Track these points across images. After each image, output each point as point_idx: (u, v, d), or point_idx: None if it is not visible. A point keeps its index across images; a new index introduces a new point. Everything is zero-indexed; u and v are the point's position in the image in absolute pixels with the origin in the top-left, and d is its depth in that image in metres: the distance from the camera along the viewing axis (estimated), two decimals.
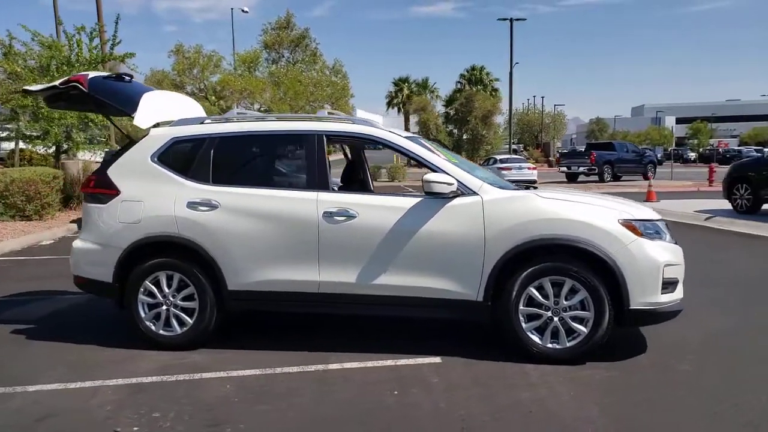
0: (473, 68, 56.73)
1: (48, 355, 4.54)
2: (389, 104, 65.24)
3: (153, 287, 4.58)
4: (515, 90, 70.37)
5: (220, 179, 4.62)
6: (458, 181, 4.22)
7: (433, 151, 4.52)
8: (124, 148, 4.92)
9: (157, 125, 4.88)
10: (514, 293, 4.10)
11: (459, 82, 57.90)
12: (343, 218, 4.28)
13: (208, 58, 29.32)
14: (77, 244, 4.83)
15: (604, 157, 27.72)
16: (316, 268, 4.35)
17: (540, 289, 4.10)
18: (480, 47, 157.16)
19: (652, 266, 4.01)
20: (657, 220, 4.29)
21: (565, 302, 4.07)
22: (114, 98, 4.85)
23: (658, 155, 45.50)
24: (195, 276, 4.49)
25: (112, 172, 4.76)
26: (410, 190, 18.98)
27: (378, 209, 4.30)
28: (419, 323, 5.12)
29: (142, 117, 4.82)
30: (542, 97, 65.86)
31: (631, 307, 4.00)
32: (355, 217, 4.27)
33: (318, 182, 4.44)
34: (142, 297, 4.59)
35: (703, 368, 4.03)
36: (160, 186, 4.62)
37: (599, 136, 61.25)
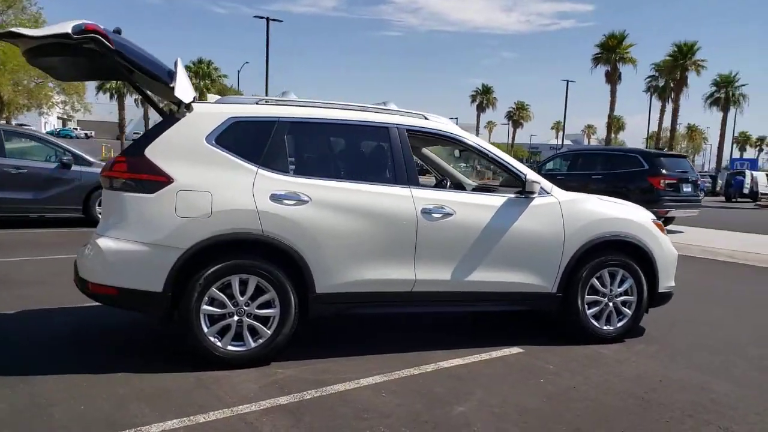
0: (200, 61, 54.50)
1: (86, 389, 3.44)
2: (99, 88, 58.82)
3: (221, 295, 3.84)
4: (243, 88, 69.59)
5: (300, 170, 4.12)
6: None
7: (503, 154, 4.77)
8: (160, 127, 3.97)
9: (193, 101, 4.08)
10: (581, 284, 4.63)
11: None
12: (440, 215, 4.26)
13: None
14: (107, 243, 3.73)
15: None
16: (412, 266, 4.22)
17: (600, 279, 4.71)
18: (201, 40, 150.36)
19: (673, 257, 4.99)
20: None
21: (618, 289, 4.76)
22: (145, 61, 3.89)
23: None
24: (277, 279, 3.92)
25: (154, 155, 3.82)
26: None
27: (472, 207, 4.39)
28: (464, 318, 5.33)
29: (184, 88, 3.98)
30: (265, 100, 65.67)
31: (659, 291, 4.89)
32: (452, 214, 4.28)
33: (408, 178, 4.30)
34: (205, 308, 3.81)
35: (712, 330, 5.14)
36: (228, 174, 3.90)
37: None
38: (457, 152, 5.43)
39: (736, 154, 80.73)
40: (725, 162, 55.79)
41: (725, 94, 53.19)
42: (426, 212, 4.22)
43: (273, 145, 4.06)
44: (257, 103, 4.23)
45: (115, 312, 5.07)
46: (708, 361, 4.43)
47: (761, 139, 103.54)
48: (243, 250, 3.89)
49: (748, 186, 33.86)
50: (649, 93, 52.72)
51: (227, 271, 3.83)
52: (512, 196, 4.53)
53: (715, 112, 53.48)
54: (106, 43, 3.63)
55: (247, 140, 4.05)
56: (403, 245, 4.19)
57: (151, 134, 3.93)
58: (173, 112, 4.05)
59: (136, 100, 62.06)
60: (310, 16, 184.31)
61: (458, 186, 5.61)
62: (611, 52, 45.30)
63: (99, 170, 11.29)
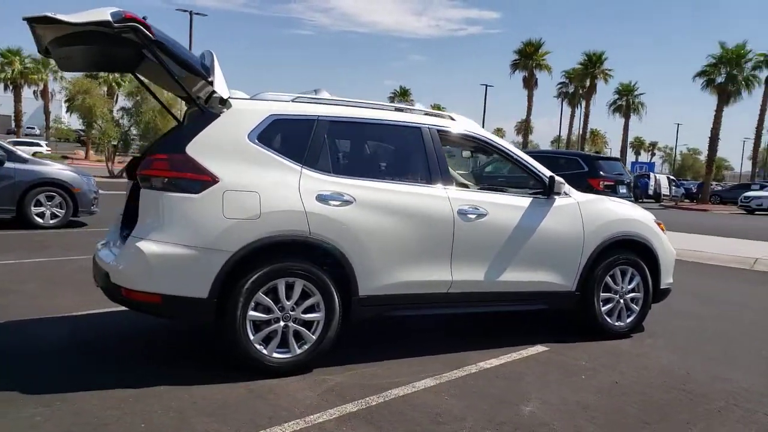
0: None
1: (132, 404, 3.18)
2: None
3: (268, 300, 3.67)
4: None
5: (341, 169, 4.01)
6: None
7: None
8: (197, 123, 3.73)
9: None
10: (596, 282, 4.81)
11: None
12: (474, 216, 4.28)
13: None
14: (151, 247, 3.46)
15: None
16: (449, 267, 4.22)
17: (612, 277, 4.91)
18: None
19: (672, 255, 5.29)
20: None
21: (627, 286, 4.98)
22: (184, 53, 3.66)
23: None
24: (323, 282, 3.79)
25: (196, 153, 3.60)
26: None
27: (503, 207, 4.44)
28: (481, 318, 5.35)
29: (222, 83, 3.79)
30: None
31: (661, 287, 5.17)
32: (486, 214, 4.32)
33: (442, 178, 4.29)
34: (252, 313, 3.63)
35: (702, 324, 5.48)
36: (274, 173, 3.74)
37: None
38: (467, 153, 5.47)
39: (632, 158, 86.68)
40: (626, 165, 59.57)
41: (626, 102, 56.74)
42: (462, 213, 4.23)
43: (314, 144, 3.92)
44: (293, 101, 4.07)
45: (115, 319, 4.79)
46: (714, 352, 4.74)
47: (653, 144, 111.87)
48: (288, 252, 3.74)
49: (653, 187, 36.42)
50: (560, 98, 55.50)
51: (274, 275, 3.67)
52: (537, 197, 4.63)
53: (618, 118, 57.02)
54: (148, 33, 3.38)
55: (288, 138, 3.91)
56: (441, 246, 4.18)
57: (189, 131, 3.69)
58: (205, 108, 3.80)
59: (34, 91, 57.90)
60: (221, 11, 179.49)
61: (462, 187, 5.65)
62: (529, 59, 47.37)
63: (35, 167, 10.51)
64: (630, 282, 4.99)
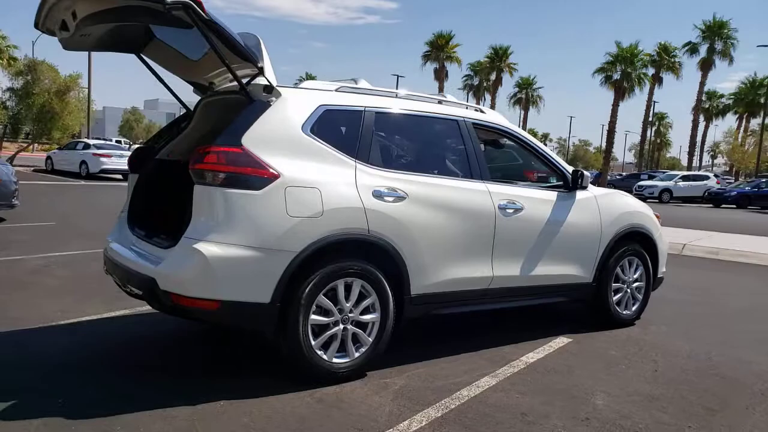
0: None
1: (208, 423, 2.88)
2: None
3: (328, 302, 3.46)
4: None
5: (391, 163, 3.86)
6: None
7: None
8: (248, 114, 3.41)
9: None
10: (610, 273, 4.96)
11: None
12: (512, 210, 4.27)
13: None
14: (212, 250, 3.12)
15: None
16: (490, 262, 4.19)
17: (622, 267, 5.09)
18: None
19: (667, 245, 5.57)
20: None
21: (633, 276, 5.19)
22: (235, 35, 3.33)
23: None
24: (379, 282, 3.63)
25: (252, 146, 3.30)
26: None
27: (536, 201, 4.46)
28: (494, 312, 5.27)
29: (270, 69, 3.51)
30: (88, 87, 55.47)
31: (658, 276, 5.44)
32: (522, 209, 4.32)
33: (481, 172, 4.23)
34: (314, 317, 3.41)
35: (687, 310, 5.80)
36: (331, 168, 3.52)
37: (136, 126, 60.07)
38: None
39: None
40: None
41: (525, 95, 59.41)
42: (502, 208, 4.20)
43: (364, 137, 3.73)
44: (336, 90, 3.84)
45: (108, 327, 4.46)
46: (716, 336, 5.03)
47: (545, 135, 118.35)
48: (347, 251, 3.53)
49: None
50: (465, 91, 57.07)
51: (335, 276, 3.46)
52: (560, 190, 4.69)
53: (518, 111, 59.60)
54: (201, 12, 3.05)
55: (339, 131, 3.69)
56: (484, 241, 4.14)
57: (241, 122, 3.37)
58: (255, 97, 3.49)
59: None
60: None
61: None
62: (440, 51, 48.30)
63: None
64: (635, 272, 5.20)
